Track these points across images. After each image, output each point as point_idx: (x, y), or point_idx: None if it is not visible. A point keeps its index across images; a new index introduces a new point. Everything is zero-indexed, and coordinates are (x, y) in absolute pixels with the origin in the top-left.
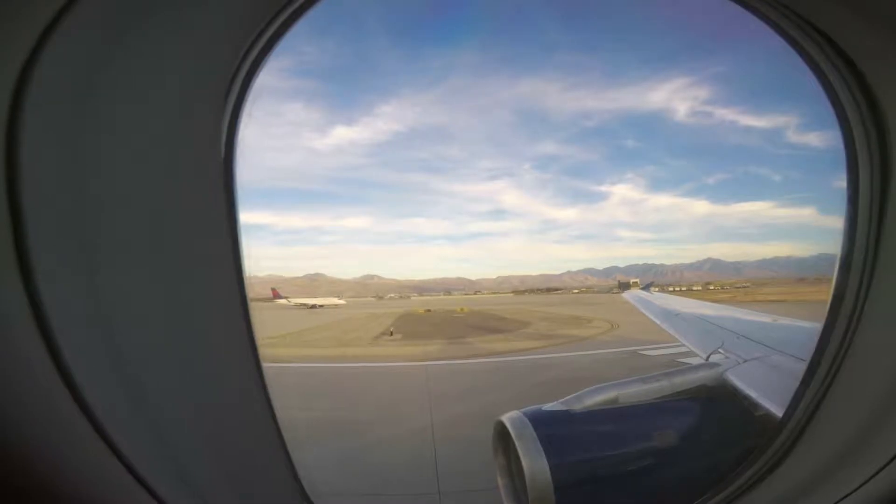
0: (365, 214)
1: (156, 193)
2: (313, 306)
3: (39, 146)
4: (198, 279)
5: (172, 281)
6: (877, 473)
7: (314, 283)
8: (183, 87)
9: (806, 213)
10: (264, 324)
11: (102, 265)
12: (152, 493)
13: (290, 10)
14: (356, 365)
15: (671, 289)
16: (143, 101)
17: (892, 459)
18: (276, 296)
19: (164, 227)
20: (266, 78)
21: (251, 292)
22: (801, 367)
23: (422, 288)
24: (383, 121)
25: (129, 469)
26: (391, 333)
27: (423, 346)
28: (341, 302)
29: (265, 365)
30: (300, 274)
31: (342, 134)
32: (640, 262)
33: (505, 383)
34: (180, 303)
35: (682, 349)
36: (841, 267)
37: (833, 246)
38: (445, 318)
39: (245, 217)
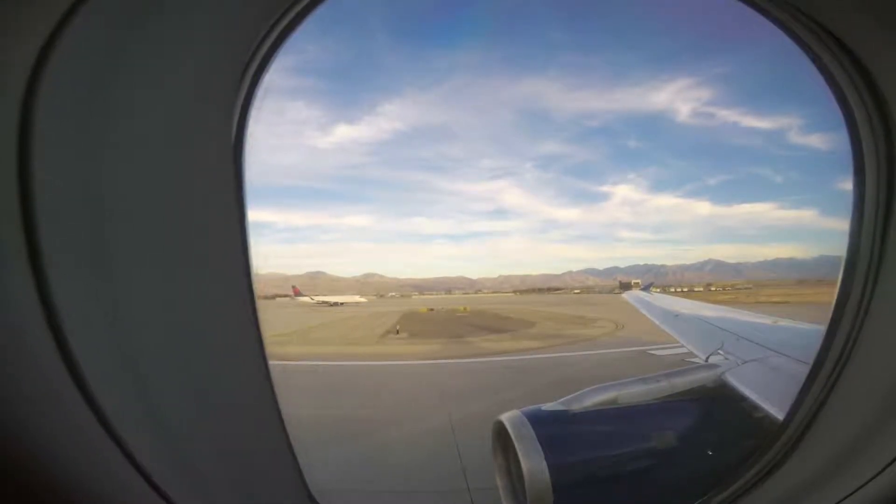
0: (366, 213)
1: (166, 190)
2: (335, 303)
3: (51, 142)
4: (208, 276)
5: (182, 278)
6: (878, 475)
7: (314, 281)
8: (194, 83)
9: (808, 215)
10: (278, 320)
11: (113, 261)
12: (157, 490)
13: (299, 6)
14: (368, 363)
15: (673, 290)
16: (154, 99)
17: (893, 461)
18: (297, 293)
19: (174, 223)
20: (268, 76)
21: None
22: (801, 369)
23: (422, 287)
24: (385, 119)
25: (136, 466)
26: (397, 332)
27: (431, 344)
28: (362, 300)
29: (272, 363)
30: (301, 272)
31: (344, 132)
32: (642, 263)
33: (519, 382)
34: (190, 300)
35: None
36: (846, 268)
37: (835, 248)
38: (449, 317)
39: (248, 214)
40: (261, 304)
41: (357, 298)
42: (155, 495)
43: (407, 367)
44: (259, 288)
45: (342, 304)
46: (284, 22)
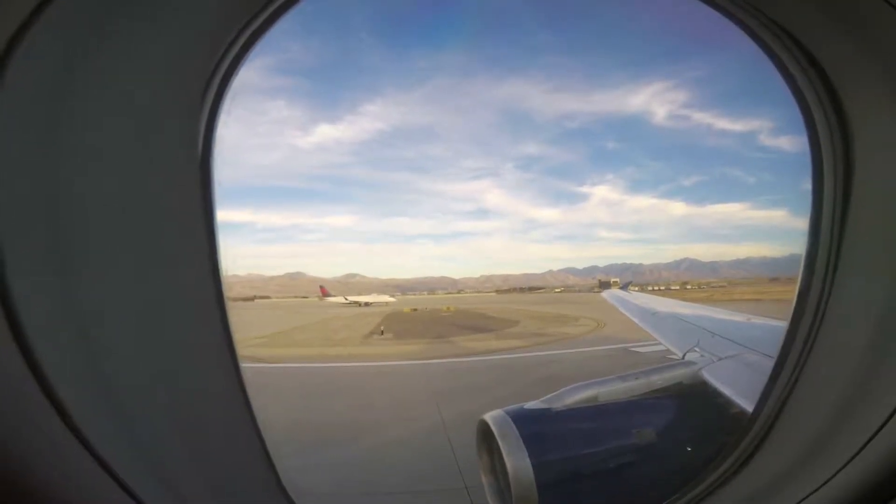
0: (348, 213)
1: (131, 192)
2: (366, 304)
3: (12, 143)
4: (174, 279)
5: (148, 280)
6: (844, 466)
7: (294, 281)
8: (160, 85)
9: (778, 215)
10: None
11: (76, 264)
12: (130, 494)
13: (271, 8)
14: (353, 365)
15: (650, 288)
16: (119, 100)
17: (857, 453)
18: (325, 294)
19: (139, 225)
20: (248, 75)
21: (231, 292)
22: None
23: (405, 287)
24: (367, 119)
25: (107, 470)
26: (382, 332)
27: (417, 344)
28: (391, 300)
29: (244, 365)
30: (280, 272)
31: (326, 132)
32: (620, 262)
33: (505, 380)
34: (156, 302)
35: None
36: (805, 266)
37: (803, 246)
38: (433, 317)
39: (225, 215)
40: (242, 306)
41: (386, 298)
42: (127, 498)
43: (393, 367)
44: (237, 290)
45: (370, 303)
46: (256, 24)
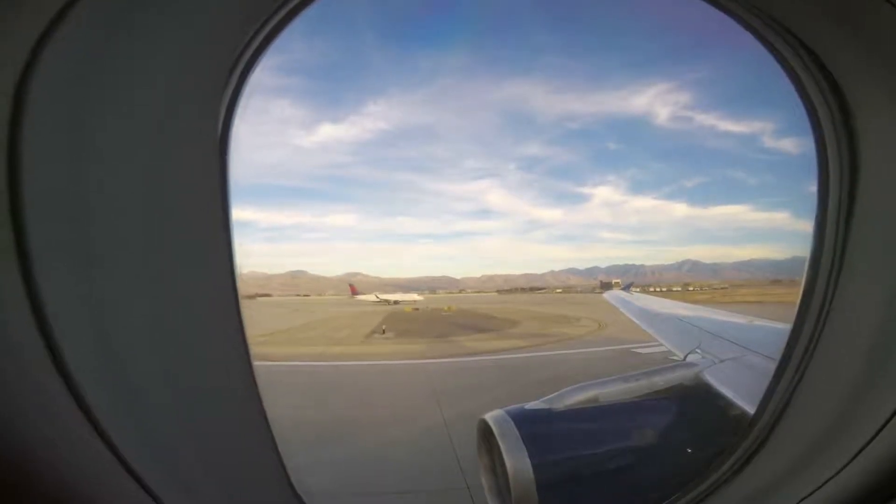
0: (350, 212)
1: (152, 189)
2: (395, 302)
3: (39, 142)
4: (193, 276)
5: (167, 277)
6: (844, 467)
7: (296, 280)
8: (180, 83)
9: (781, 217)
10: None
11: (99, 260)
12: (144, 487)
13: (288, 6)
14: (355, 364)
15: (652, 289)
16: (141, 99)
17: (857, 454)
18: (355, 292)
19: (159, 221)
20: (253, 75)
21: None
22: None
23: (406, 286)
24: (370, 120)
25: (122, 463)
26: (383, 331)
27: (418, 344)
28: (419, 298)
29: (258, 364)
30: (282, 271)
31: (329, 132)
32: (621, 263)
33: (506, 380)
34: (175, 299)
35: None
36: (810, 267)
37: (806, 248)
38: (434, 316)
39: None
40: (243, 305)
41: (414, 297)
42: (141, 491)
43: (395, 367)
44: (239, 288)
45: (398, 302)
46: (272, 23)
